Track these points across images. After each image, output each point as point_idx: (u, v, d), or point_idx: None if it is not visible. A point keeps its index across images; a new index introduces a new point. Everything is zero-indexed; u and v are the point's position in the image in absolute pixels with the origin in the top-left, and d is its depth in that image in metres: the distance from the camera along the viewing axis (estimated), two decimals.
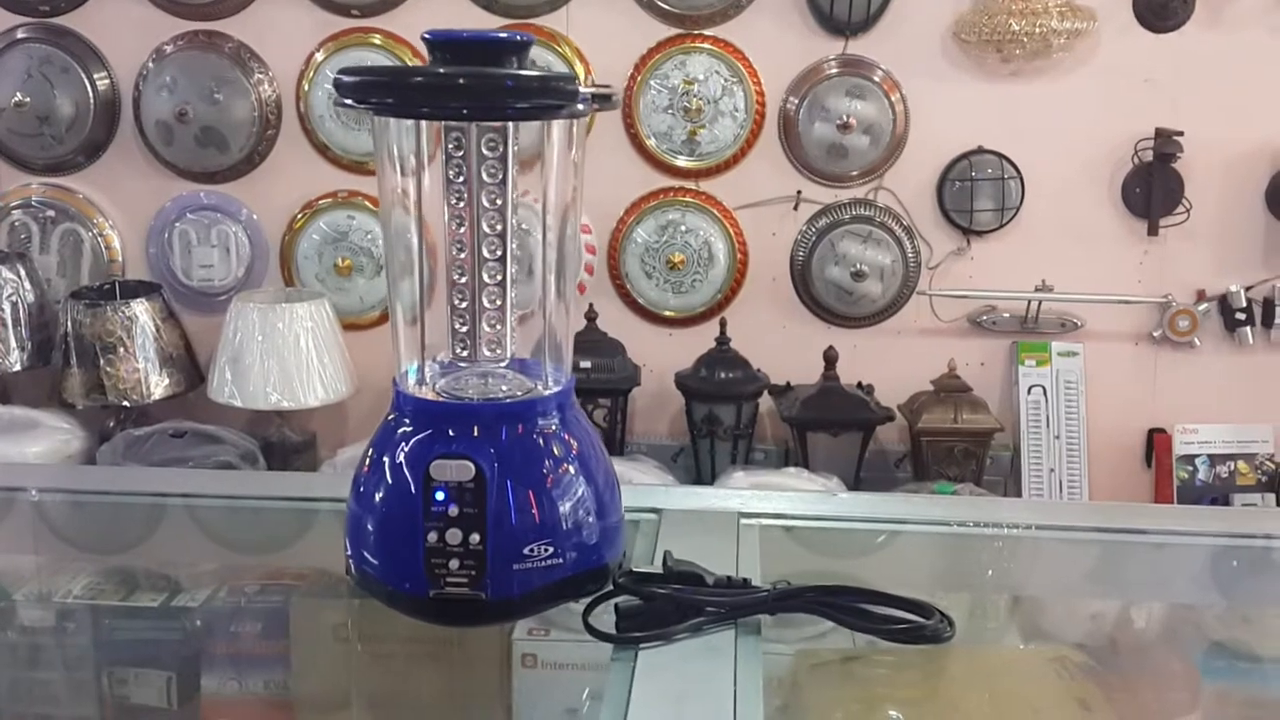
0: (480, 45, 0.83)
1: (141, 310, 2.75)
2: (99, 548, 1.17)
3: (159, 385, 2.76)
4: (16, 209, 2.96)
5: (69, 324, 2.74)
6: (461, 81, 0.81)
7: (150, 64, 2.89)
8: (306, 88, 2.87)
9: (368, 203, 2.90)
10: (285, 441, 2.80)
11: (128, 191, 2.96)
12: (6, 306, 2.77)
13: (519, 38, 0.84)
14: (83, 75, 2.88)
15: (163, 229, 2.96)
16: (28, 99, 2.89)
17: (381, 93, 0.83)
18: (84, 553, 1.18)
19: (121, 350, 2.72)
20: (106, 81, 2.91)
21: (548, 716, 0.98)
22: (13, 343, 2.79)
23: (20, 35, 2.90)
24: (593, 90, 0.82)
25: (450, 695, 0.79)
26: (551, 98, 0.82)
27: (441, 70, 0.83)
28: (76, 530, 1.14)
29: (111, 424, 2.78)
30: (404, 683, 0.87)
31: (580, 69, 2.79)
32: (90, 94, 2.89)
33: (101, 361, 2.71)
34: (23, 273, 2.81)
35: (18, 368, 2.80)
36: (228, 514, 1.20)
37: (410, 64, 2.81)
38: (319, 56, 2.87)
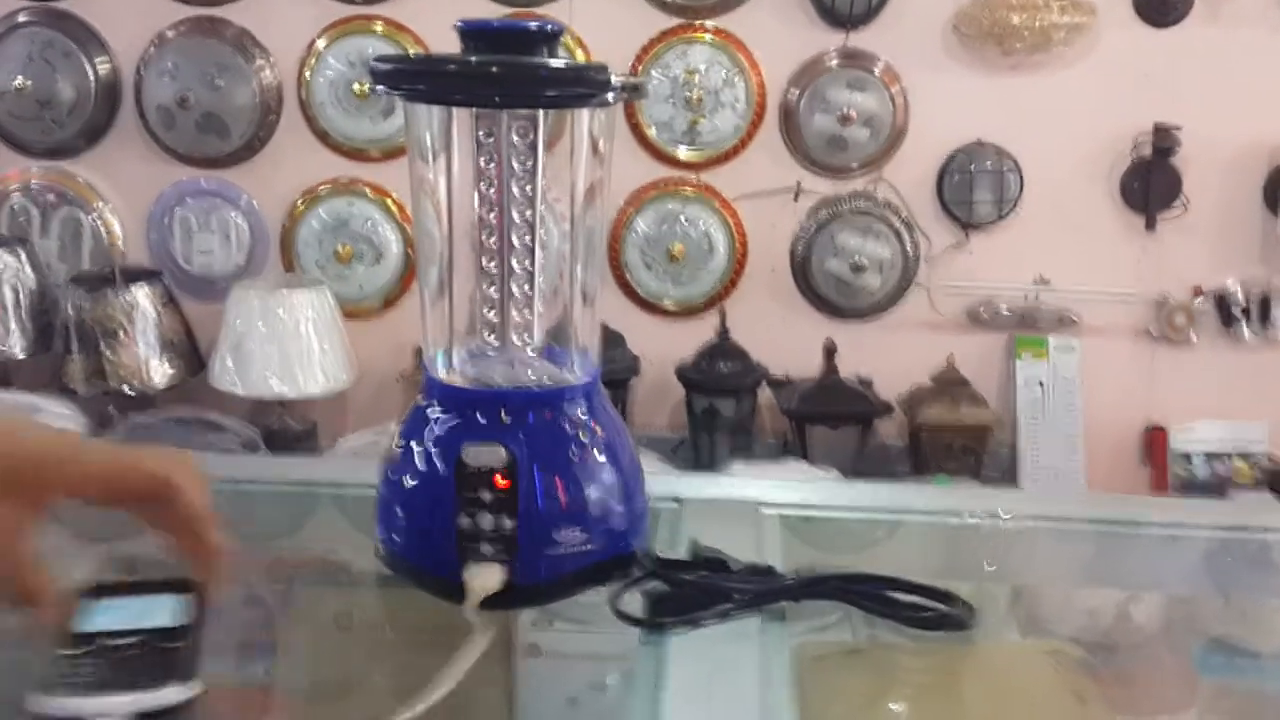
0: (512, 34, 0.84)
1: (143, 296, 2.75)
2: (100, 533, 1.16)
3: (160, 372, 2.76)
4: (17, 193, 2.96)
5: (70, 309, 2.73)
6: (494, 69, 0.82)
7: (152, 49, 2.89)
8: (308, 75, 2.88)
9: (368, 190, 2.91)
10: (286, 430, 2.81)
11: (128, 177, 2.96)
12: (7, 291, 2.77)
13: (550, 27, 0.84)
14: (84, 60, 2.88)
15: (163, 215, 2.95)
16: (29, 83, 2.89)
17: (415, 80, 0.84)
18: (84, 538, 1.18)
19: (123, 336, 2.72)
20: (108, 66, 2.91)
21: (550, 706, 0.99)
22: (13, 328, 2.78)
23: (22, 19, 2.89)
24: (623, 80, 0.83)
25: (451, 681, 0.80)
26: (583, 87, 0.83)
27: (474, 59, 0.83)
28: (77, 516, 1.15)
29: (113, 410, 2.78)
30: (404, 671, 0.88)
31: (581, 58, 2.80)
32: (91, 79, 2.89)
33: (103, 347, 2.71)
34: (23, 257, 2.81)
35: (19, 353, 2.80)
36: (228, 499, 1.20)
37: (413, 52, 2.81)
38: (320, 44, 2.87)
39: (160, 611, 0.75)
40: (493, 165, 0.86)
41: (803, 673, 0.87)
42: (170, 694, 0.67)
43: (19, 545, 0.74)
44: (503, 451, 0.82)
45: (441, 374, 0.89)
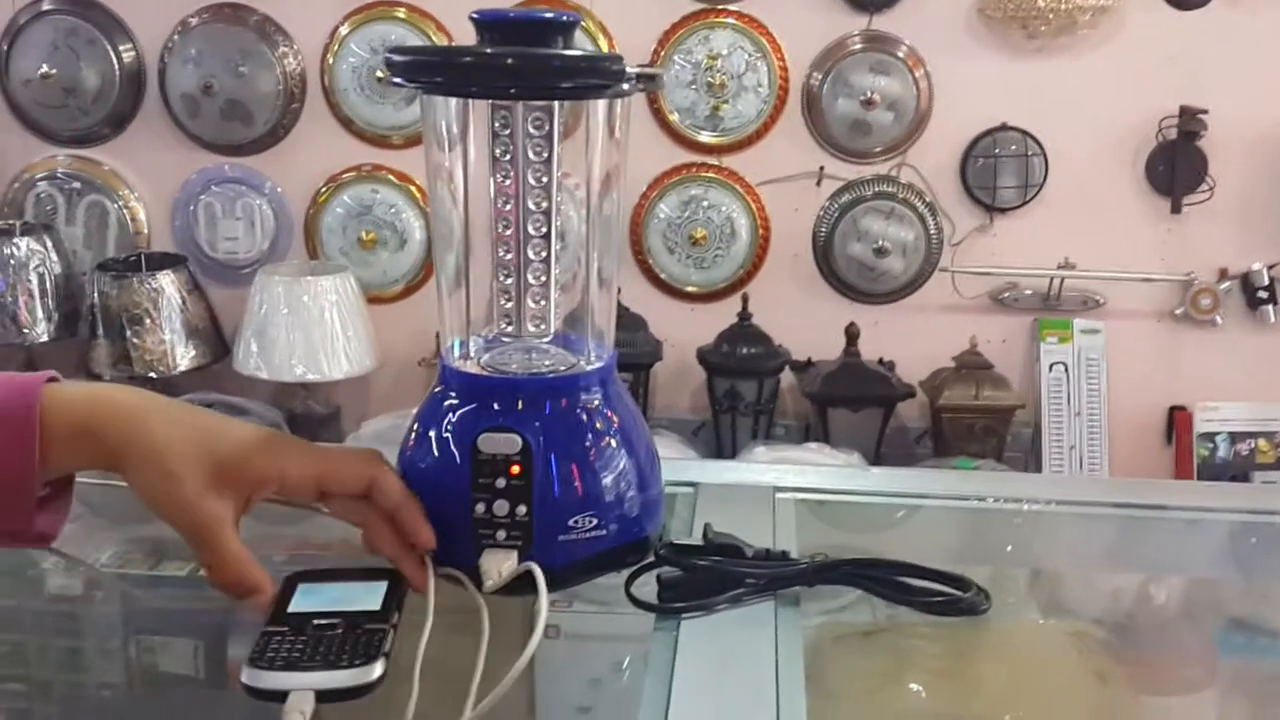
0: (528, 25, 0.84)
1: (168, 282, 2.77)
2: (127, 517, 1.17)
3: (185, 357, 2.78)
4: (42, 180, 2.99)
5: (96, 295, 2.76)
6: (510, 61, 0.82)
7: (175, 37, 2.90)
8: (331, 61, 2.89)
9: (391, 176, 2.92)
10: (310, 413, 2.83)
11: (153, 164, 2.98)
12: (34, 278, 2.80)
13: (565, 18, 0.85)
14: (108, 47, 2.90)
15: (188, 201, 2.97)
16: (54, 71, 2.91)
17: (431, 72, 0.84)
18: (112, 522, 1.19)
19: (148, 322, 2.74)
20: (132, 54, 2.93)
21: (569, 687, 0.99)
22: (40, 314, 2.81)
23: (46, 7, 2.92)
24: (638, 70, 0.83)
25: (470, 666, 0.81)
26: (598, 78, 0.83)
27: (490, 50, 0.84)
28: (104, 500, 1.16)
29: None
30: (424, 653, 0.89)
31: (604, 43, 2.80)
32: (116, 66, 2.90)
33: (128, 333, 2.73)
34: (49, 244, 2.84)
35: (45, 339, 2.83)
36: None
37: (434, 38, 2.82)
38: (343, 30, 2.88)
39: (362, 596, 0.79)
40: (509, 156, 0.87)
41: (820, 653, 0.87)
42: (356, 674, 0.72)
43: (229, 536, 0.78)
44: (518, 439, 0.83)
45: (457, 362, 0.90)
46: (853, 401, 2.73)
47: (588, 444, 0.87)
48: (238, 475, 0.78)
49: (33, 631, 1.13)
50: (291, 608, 0.78)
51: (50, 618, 1.15)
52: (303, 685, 0.71)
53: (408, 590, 0.82)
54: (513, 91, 0.84)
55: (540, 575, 0.82)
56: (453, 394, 0.88)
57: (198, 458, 0.77)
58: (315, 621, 0.76)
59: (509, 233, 0.88)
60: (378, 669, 0.72)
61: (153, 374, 2.75)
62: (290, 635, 0.75)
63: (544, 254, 0.88)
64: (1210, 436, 2.85)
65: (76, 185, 2.98)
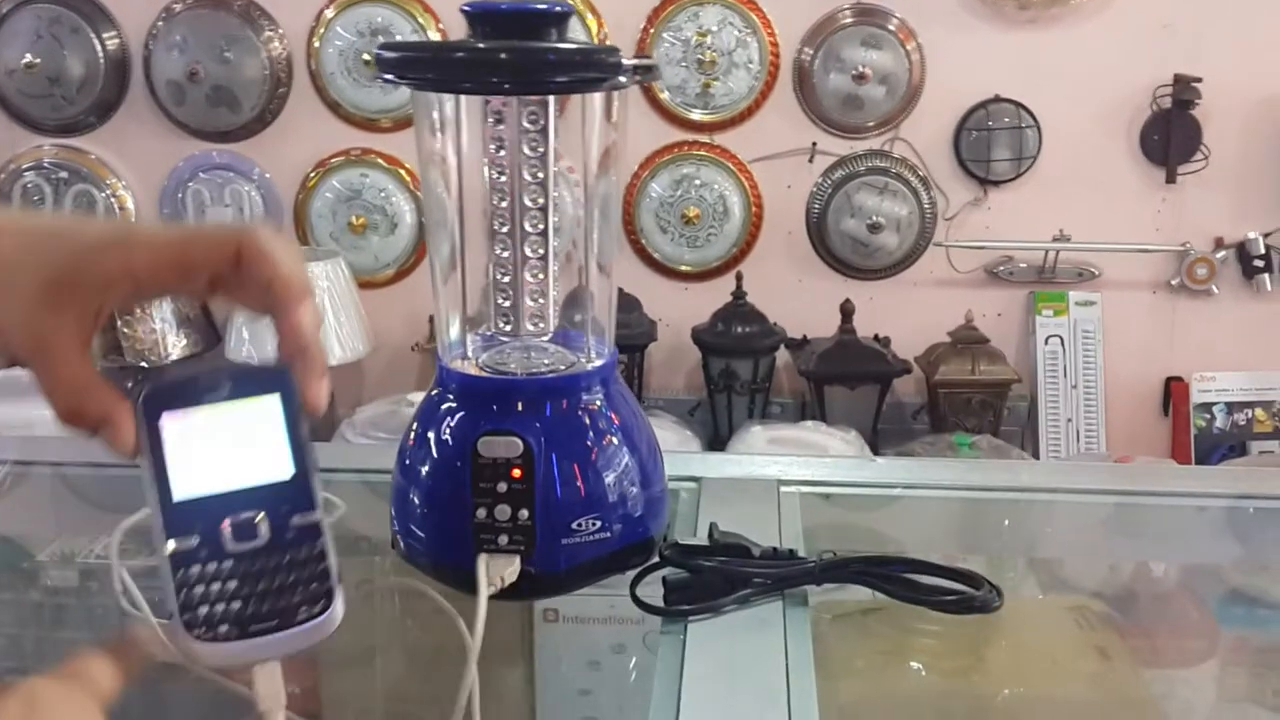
0: (520, 17, 0.83)
1: None
2: (121, 509, 1.17)
3: (176, 346, 2.76)
4: (29, 170, 2.96)
5: None
6: (503, 56, 0.80)
7: (160, 23, 2.87)
8: (317, 45, 2.86)
9: (380, 160, 2.89)
10: None
11: (140, 152, 2.96)
12: None
13: (559, 8, 0.83)
14: (92, 35, 2.87)
15: (176, 189, 2.95)
16: (38, 60, 2.88)
17: (422, 68, 0.82)
18: (106, 514, 1.18)
19: (138, 311, 2.72)
20: (116, 41, 2.90)
21: (570, 669, 0.99)
22: None
23: None
24: (635, 62, 0.82)
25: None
26: (593, 71, 0.82)
27: (482, 45, 0.82)
28: (98, 493, 1.15)
29: (130, 385, 2.77)
30: (424, 638, 0.88)
31: (592, 22, 2.77)
32: (100, 54, 2.87)
33: (119, 322, 2.71)
34: None
35: None
36: None
37: (421, 20, 2.80)
38: (329, 13, 2.85)
39: (259, 443, 0.60)
40: (503, 151, 0.85)
41: (823, 634, 0.87)
42: (319, 627, 0.57)
43: (68, 356, 0.63)
44: (518, 442, 0.82)
45: (455, 363, 0.89)
46: (849, 379, 2.72)
47: (589, 445, 0.86)
48: (80, 281, 0.64)
49: (29, 624, 1.12)
50: (179, 488, 0.58)
51: (46, 609, 1.14)
52: (266, 655, 0.56)
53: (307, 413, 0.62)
54: (506, 87, 0.82)
55: (483, 568, 0.79)
56: (450, 396, 0.87)
57: (34, 269, 0.64)
58: (226, 519, 0.58)
59: (505, 230, 0.86)
60: (338, 608, 0.57)
61: (144, 363, 2.73)
62: (210, 559, 0.57)
63: (541, 251, 0.86)
64: (1207, 407, 2.85)
65: (64, 175, 2.95)
